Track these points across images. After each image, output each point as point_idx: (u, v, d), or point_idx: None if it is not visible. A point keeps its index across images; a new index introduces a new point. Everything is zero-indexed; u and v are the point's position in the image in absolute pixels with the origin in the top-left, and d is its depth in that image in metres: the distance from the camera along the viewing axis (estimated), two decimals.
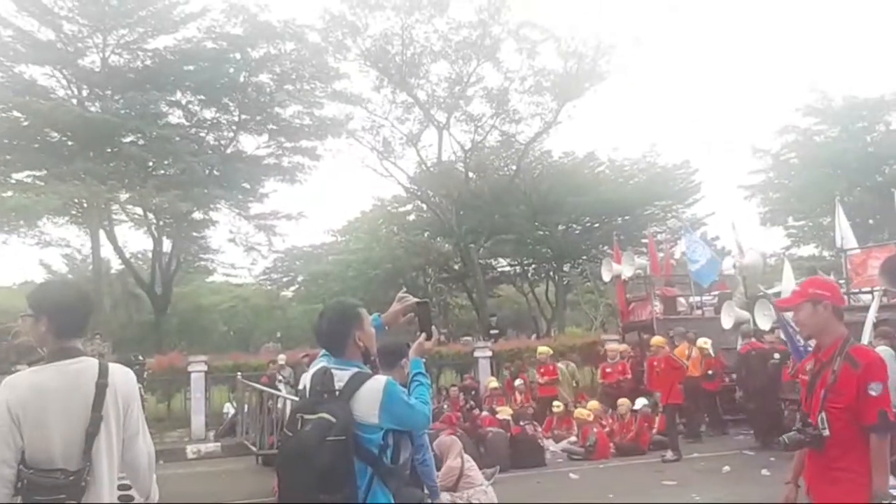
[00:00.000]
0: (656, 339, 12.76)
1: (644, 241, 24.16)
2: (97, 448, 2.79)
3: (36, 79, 23.67)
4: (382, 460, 3.01)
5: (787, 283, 12.61)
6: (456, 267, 31.20)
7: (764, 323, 12.69)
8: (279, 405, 12.41)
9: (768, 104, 55.21)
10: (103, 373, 2.86)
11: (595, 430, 12.30)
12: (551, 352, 15.62)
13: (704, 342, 13.73)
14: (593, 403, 13.34)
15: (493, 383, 15.27)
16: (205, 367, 16.50)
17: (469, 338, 20.85)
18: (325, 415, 2.91)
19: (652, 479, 10.04)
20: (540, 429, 13.06)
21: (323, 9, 25.74)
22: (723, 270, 16.08)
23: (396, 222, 34.22)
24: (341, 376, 3.04)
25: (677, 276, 17.89)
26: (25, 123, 22.63)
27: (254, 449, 13.05)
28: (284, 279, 37.22)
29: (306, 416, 2.98)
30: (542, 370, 15.08)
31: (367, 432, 2.96)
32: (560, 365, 15.44)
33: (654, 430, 12.52)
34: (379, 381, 3.03)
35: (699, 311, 16.56)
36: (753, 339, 12.81)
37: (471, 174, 29.80)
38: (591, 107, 26.99)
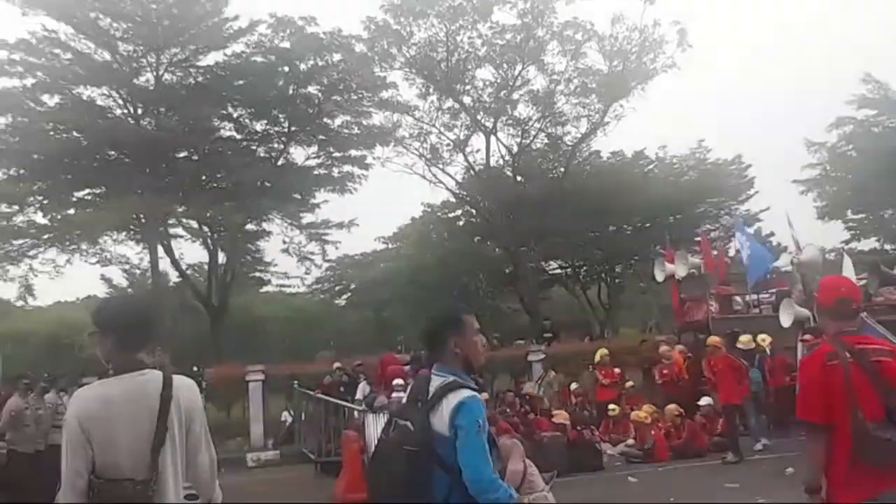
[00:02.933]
0: (713, 339, 12.54)
1: (697, 239, 23.75)
2: (163, 458, 2.86)
3: (94, 99, 24.49)
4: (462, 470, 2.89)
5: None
6: (507, 271, 31.11)
7: None
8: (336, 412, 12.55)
9: (819, 97, 53.72)
10: (167, 385, 2.93)
11: (653, 432, 12.13)
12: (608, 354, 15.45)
13: (762, 339, 13.45)
14: (649, 406, 13.16)
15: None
16: (262, 377, 16.71)
17: (522, 341, 20.73)
18: (408, 422, 2.96)
19: (713, 481, 9.86)
20: (597, 432, 12.93)
21: (367, 19, 25.98)
22: (781, 267, 15.69)
23: (446, 228, 34.27)
24: (435, 383, 3.03)
25: (733, 274, 17.52)
26: (85, 143, 23.38)
27: (312, 456, 13.21)
28: (337, 287, 37.56)
29: (399, 421, 3.03)
30: (603, 372, 14.93)
31: (446, 443, 2.90)
32: (553, 372, 15.38)
33: (717, 432, 12.27)
34: (458, 396, 2.93)
35: (756, 310, 16.19)
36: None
37: (519, 178, 29.71)
38: (638, 105, 26.65)
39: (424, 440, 2.87)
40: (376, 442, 3.42)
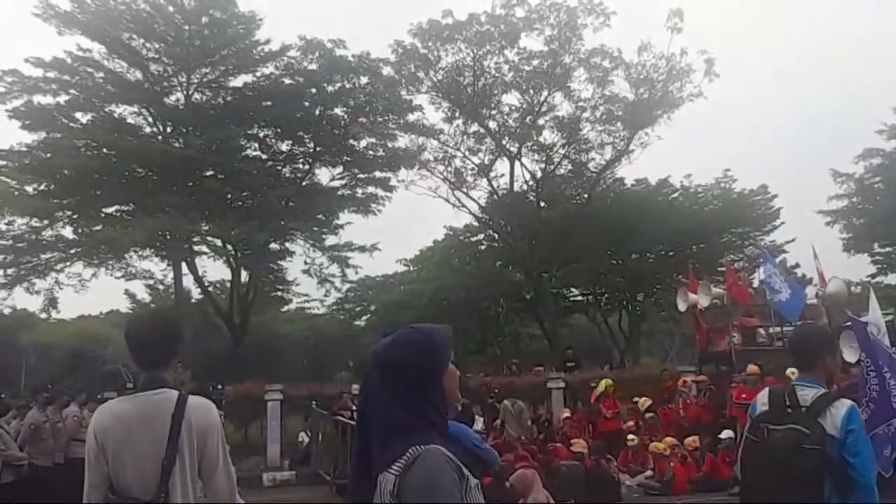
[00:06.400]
0: (753, 367, 12.48)
1: (721, 269, 23.54)
2: (173, 480, 2.83)
3: (124, 117, 24.98)
4: (846, 472, 3.24)
5: (873, 314, 12.05)
6: (528, 296, 31.01)
7: (850, 355, 12.15)
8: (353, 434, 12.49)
9: (847, 127, 53.32)
10: (180, 405, 2.89)
11: (671, 464, 11.97)
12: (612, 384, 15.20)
13: (791, 372, 13.24)
14: (669, 438, 12.99)
15: (567, 413, 15.01)
16: (280, 396, 16.66)
17: (541, 368, 20.57)
18: (796, 426, 3.28)
19: None
20: (615, 462, 12.76)
21: (396, 42, 26.24)
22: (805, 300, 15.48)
23: (468, 252, 34.29)
24: (805, 393, 3.38)
25: (756, 305, 17.33)
26: (115, 160, 23.74)
27: (328, 478, 13.17)
28: (357, 309, 37.60)
29: (771, 427, 3.37)
30: (606, 404, 14.77)
31: (836, 444, 3.25)
32: (506, 402, 15.01)
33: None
34: (845, 404, 3.33)
35: (780, 343, 15.96)
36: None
37: (542, 203, 29.67)
38: (664, 133, 26.54)
39: (824, 441, 3.22)
40: (747, 445, 3.57)
